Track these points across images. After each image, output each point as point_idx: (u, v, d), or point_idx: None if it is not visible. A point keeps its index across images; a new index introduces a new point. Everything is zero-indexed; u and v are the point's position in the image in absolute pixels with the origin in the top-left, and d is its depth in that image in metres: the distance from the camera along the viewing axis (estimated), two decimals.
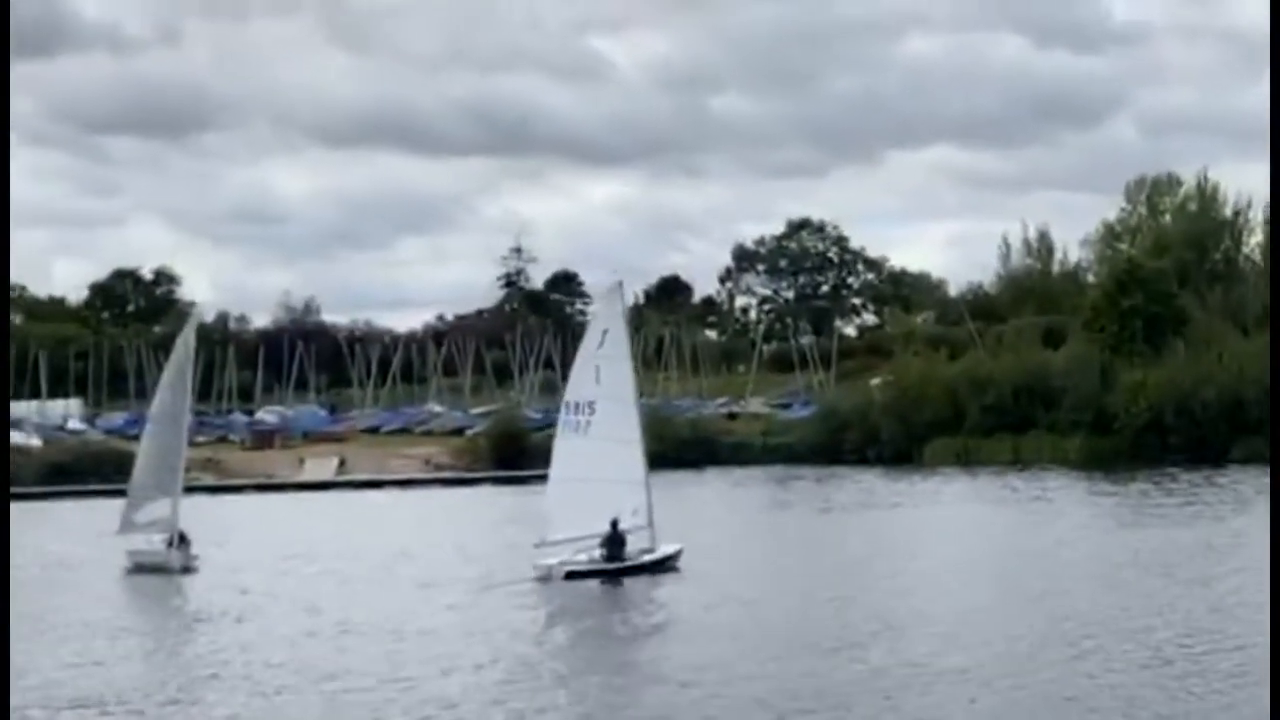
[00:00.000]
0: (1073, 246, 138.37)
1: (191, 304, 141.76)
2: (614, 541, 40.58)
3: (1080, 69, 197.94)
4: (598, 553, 40.50)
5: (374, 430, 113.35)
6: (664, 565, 41.08)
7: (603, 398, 41.59)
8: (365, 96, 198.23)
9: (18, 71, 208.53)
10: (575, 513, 40.24)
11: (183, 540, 45.14)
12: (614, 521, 40.57)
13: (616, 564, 40.43)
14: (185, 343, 46.78)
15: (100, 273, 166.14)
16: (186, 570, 44.15)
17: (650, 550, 41.41)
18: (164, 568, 44.22)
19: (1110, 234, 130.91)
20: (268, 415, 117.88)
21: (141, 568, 44.88)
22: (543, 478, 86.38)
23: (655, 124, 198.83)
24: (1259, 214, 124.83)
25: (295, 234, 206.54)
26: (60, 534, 58.67)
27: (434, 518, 67.11)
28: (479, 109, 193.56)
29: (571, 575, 39.59)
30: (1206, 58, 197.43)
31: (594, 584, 39.30)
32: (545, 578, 39.62)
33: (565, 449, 41.88)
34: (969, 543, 50.43)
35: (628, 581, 39.53)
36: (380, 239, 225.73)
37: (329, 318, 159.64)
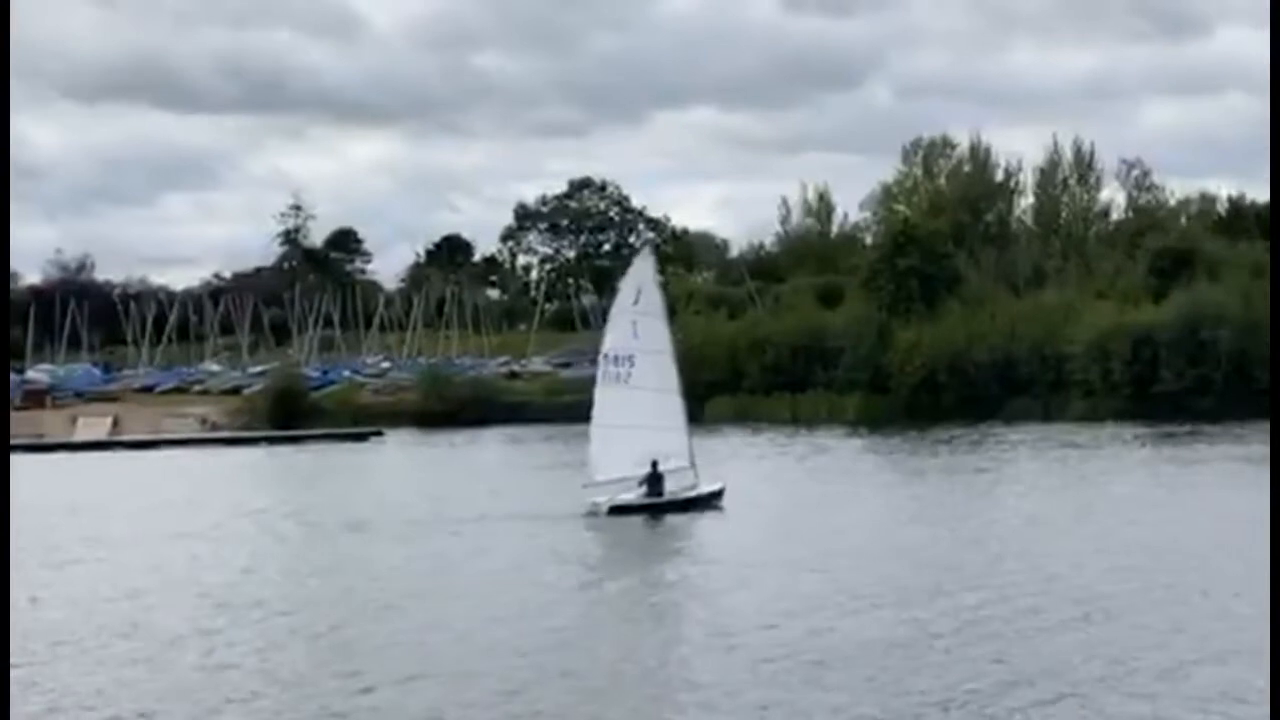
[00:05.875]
0: (852, 208, 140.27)
1: None
2: (654, 480, 43.65)
3: (833, 32, 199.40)
4: (638, 491, 43.63)
5: (149, 389, 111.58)
6: (707, 502, 44.17)
7: (641, 351, 44.59)
8: (114, 49, 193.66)
9: None
10: (618, 456, 43.35)
11: None
12: (654, 462, 43.56)
13: (658, 500, 43.61)
14: None
15: None
16: None
17: (693, 488, 44.45)
18: None
19: (888, 195, 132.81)
20: (39, 374, 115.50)
21: None
22: (322, 436, 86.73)
23: (415, 82, 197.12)
24: (1029, 177, 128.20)
25: (52, 189, 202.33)
26: None
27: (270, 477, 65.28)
28: (233, 65, 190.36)
29: (615, 511, 42.56)
30: (957, 22, 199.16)
31: (638, 519, 42.13)
32: (593, 513, 42.53)
33: (606, 398, 44.65)
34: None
35: (670, 516, 42.51)
36: (142, 195, 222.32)
37: (102, 276, 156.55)
